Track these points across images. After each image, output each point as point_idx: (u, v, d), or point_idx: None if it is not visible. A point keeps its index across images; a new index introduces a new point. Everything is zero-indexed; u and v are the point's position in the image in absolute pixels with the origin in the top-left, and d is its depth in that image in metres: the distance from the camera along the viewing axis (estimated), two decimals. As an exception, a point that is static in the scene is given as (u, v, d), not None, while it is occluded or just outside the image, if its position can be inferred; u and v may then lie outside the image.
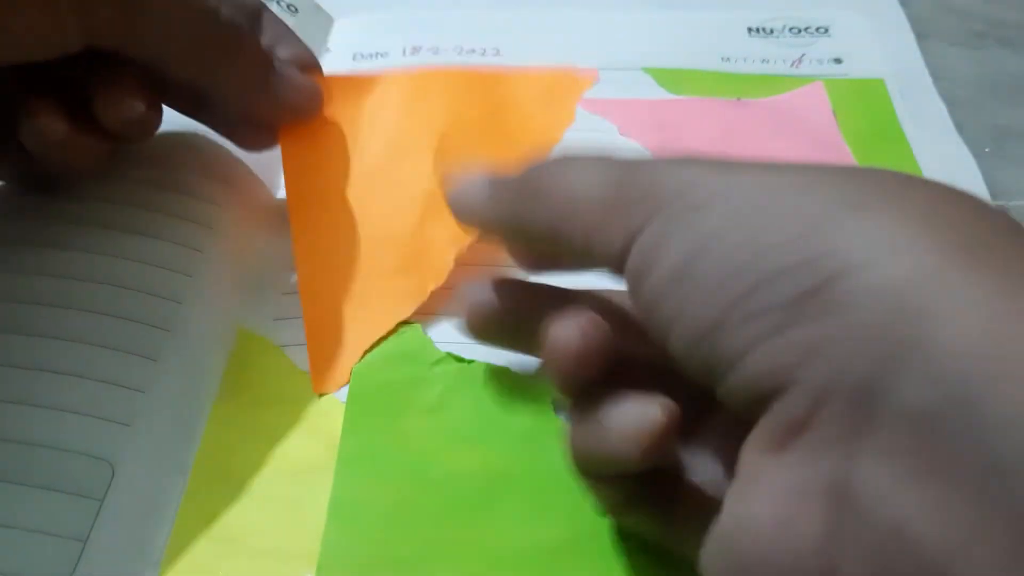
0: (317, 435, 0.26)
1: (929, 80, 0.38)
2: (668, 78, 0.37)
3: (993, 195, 0.33)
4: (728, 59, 0.38)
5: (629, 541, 0.24)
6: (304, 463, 0.26)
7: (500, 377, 0.27)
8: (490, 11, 0.41)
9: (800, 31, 0.40)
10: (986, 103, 0.38)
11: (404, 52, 0.39)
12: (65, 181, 0.29)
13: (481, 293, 0.23)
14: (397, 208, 0.29)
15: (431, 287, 0.28)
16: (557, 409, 0.26)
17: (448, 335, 0.28)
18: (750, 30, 0.40)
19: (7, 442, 0.25)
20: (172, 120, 0.30)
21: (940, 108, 0.37)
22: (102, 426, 0.25)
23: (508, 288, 0.23)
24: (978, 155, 0.35)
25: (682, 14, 0.41)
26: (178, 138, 0.32)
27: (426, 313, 0.29)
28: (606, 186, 0.20)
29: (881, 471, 0.15)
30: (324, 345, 0.28)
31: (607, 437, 0.20)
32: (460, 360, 0.27)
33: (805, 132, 0.35)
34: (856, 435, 0.16)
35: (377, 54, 0.39)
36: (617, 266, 0.19)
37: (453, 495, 0.25)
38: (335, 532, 0.24)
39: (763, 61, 0.38)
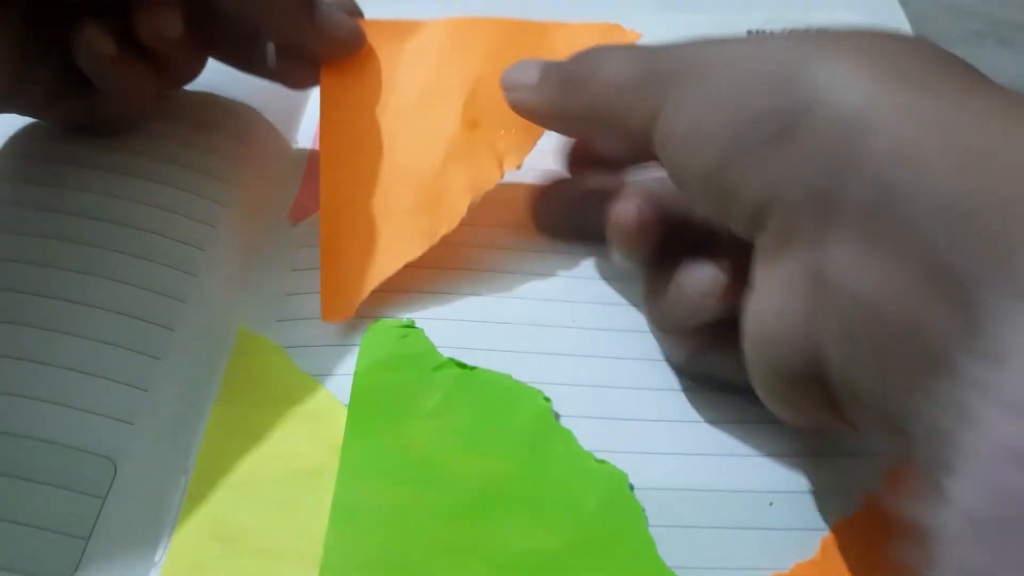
0: (319, 437, 0.26)
1: None
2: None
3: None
4: (728, 60, 0.39)
5: (630, 544, 0.24)
6: (306, 465, 0.26)
7: (501, 383, 0.27)
8: (490, 12, 0.41)
9: (797, 31, 0.40)
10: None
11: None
12: (110, 125, 0.31)
13: (547, 190, 0.28)
14: (422, 149, 0.30)
15: (443, 231, 0.29)
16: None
17: (450, 340, 0.28)
18: (750, 32, 0.40)
19: (10, 438, 0.25)
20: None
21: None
22: (105, 424, 0.26)
23: (569, 184, 0.29)
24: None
25: (682, 16, 0.41)
26: (183, 135, 0.33)
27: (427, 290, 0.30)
28: (633, 72, 0.24)
29: (843, 255, 0.19)
30: (335, 273, 0.29)
31: (685, 296, 0.25)
32: (462, 366, 0.27)
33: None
34: (824, 232, 0.20)
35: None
36: (648, 140, 0.24)
37: (454, 500, 0.25)
38: (338, 535, 0.24)
39: (763, 62, 0.38)
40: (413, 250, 0.29)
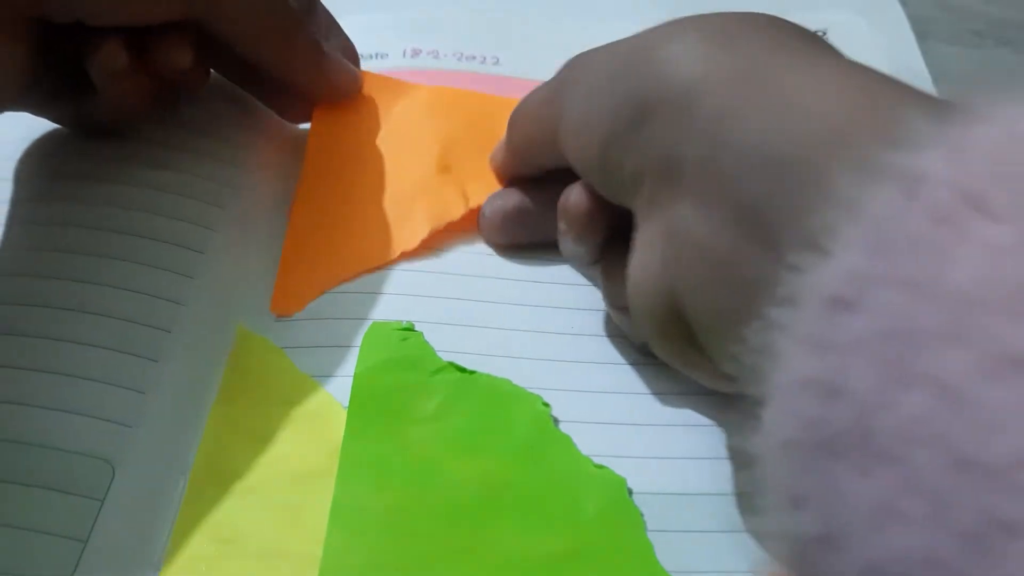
0: (319, 439, 0.26)
1: (929, 80, 0.38)
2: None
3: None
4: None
5: (628, 549, 0.24)
6: (306, 467, 0.26)
7: (500, 388, 0.27)
8: (491, 18, 0.40)
9: (797, 34, 0.40)
10: (986, 103, 0.38)
11: (404, 54, 0.39)
12: (116, 126, 0.32)
13: (498, 198, 0.30)
14: (395, 181, 0.33)
15: (402, 248, 0.31)
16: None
17: (450, 345, 0.28)
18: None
19: (7, 442, 0.25)
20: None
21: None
22: (103, 427, 0.26)
23: (518, 191, 0.31)
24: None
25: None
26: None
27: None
28: (543, 94, 0.29)
29: (685, 209, 0.22)
30: (293, 269, 0.30)
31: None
32: (462, 370, 0.27)
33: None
34: (675, 192, 0.22)
35: (377, 55, 0.39)
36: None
37: (453, 503, 0.25)
38: (337, 537, 0.24)
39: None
40: (371, 261, 0.31)
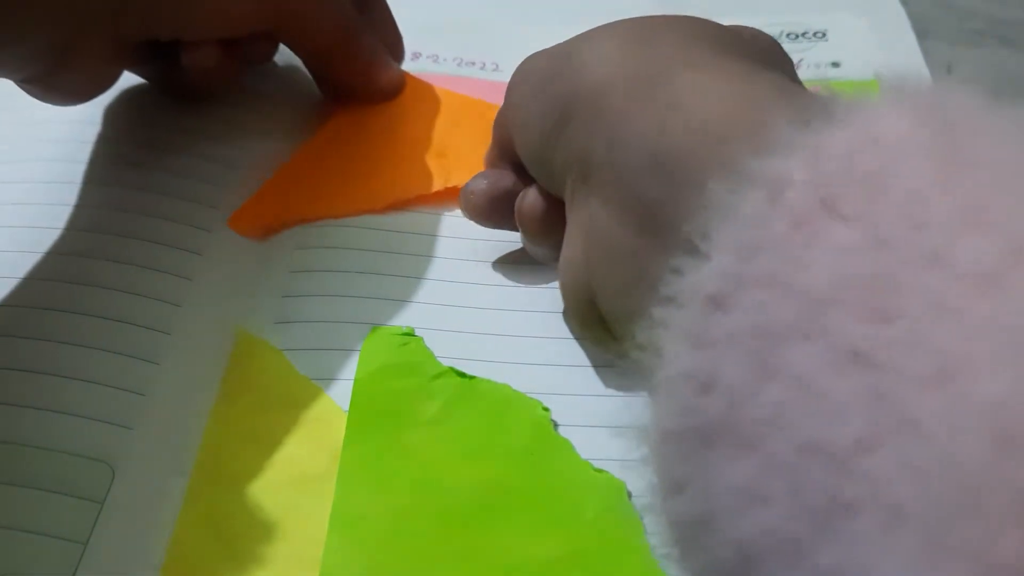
0: (319, 443, 0.26)
1: (929, 80, 0.38)
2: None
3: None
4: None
5: (628, 553, 0.24)
6: (306, 470, 0.26)
7: (500, 393, 0.27)
8: (491, 24, 0.40)
9: (797, 36, 0.39)
10: (986, 103, 0.38)
11: (404, 57, 0.39)
12: (197, 95, 0.35)
13: (485, 177, 0.30)
14: (396, 155, 0.34)
15: (382, 203, 0.32)
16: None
17: (450, 350, 0.28)
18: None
19: (7, 444, 0.25)
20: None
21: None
22: (103, 428, 0.26)
23: (497, 177, 0.30)
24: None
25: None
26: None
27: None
28: (502, 107, 0.29)
29: (595, 205, 0.23)
30: (269, 194, 0.32)
31: None
32: (461, 375, 0.27)
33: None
34: (590, 188, 0.24)
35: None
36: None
37: (453, 508, 0.25)
38: (337, 541, 0.24)
39: (761, 66, 0.38)
40: (342, 210, 0.32)
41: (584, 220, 0.24)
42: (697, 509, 0.16)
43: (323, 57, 0.34)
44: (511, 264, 0.31)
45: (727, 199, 0.16)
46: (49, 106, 0.32)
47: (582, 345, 0.29)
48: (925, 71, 0.38)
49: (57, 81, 0.30)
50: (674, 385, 0.16)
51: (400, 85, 0.36)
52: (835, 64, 0.39)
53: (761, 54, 0.24)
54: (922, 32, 0.40)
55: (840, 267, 0.14)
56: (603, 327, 0.25)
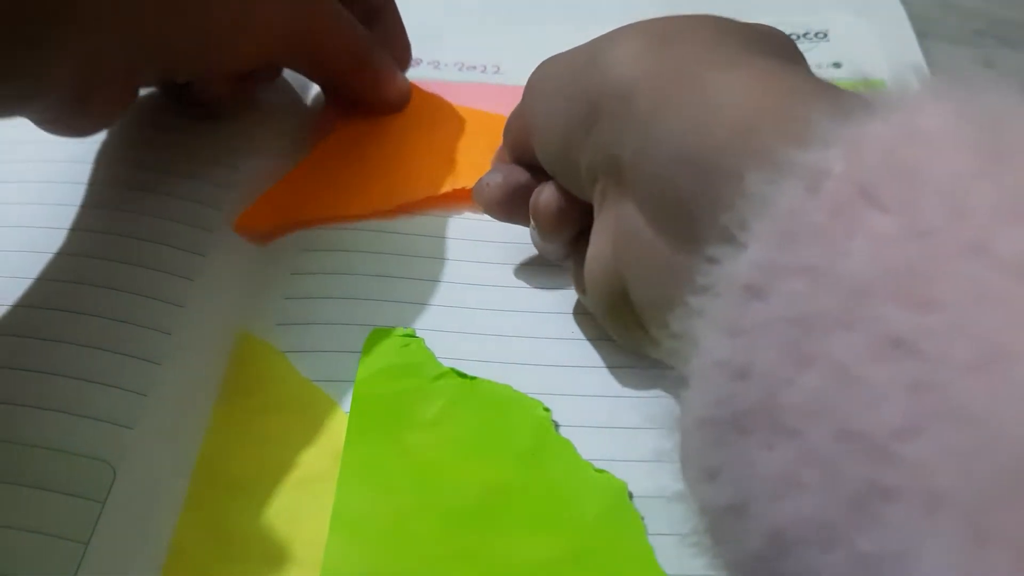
0: (320, 444, 0.26)
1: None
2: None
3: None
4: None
5: (629, 553, 0.24)
6: (307, 472, 0.26)
7: (501, 394, 0.27)
8: (492, 28, 0.40)
9: (798, 37, 0.39)
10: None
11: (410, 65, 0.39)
12: (206, 112, 0.34)
13: (499, 172, 0.30)
14: (403, 159, 0.35)
15: (390, 205, 0.33)
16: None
17: (451, 350, 0.28)
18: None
19: (8, 444, 0.25)
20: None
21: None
22: (104, 428, 0.26)
23: (511, 172, 0.30)
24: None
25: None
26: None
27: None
28: (516, 111, 0.30)
29: (627, 202, 0.23)
30: (276, 198, 0.32)
31: None
32: (462, 376, 0.28)
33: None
34: (621, 187, 0.24)
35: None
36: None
37: (454, 508, 0.25)
38: (338, 542, 0.24)
39: (761, 67, 0.38)
40: (349, 212, 0.32)
41: (616, 218, 0.24)
42: (731, 496, 0.16)
43: (334, 79, 0.35)
44: (512, 266, 0.31)
45: (765, 190, 0.16)
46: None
47: (583, 346, 0.29)
48: (926, 71, 0.38)
49: (70, 122, 0.30)
50: (709, 373, 0.16)
51: (408, 96, 0.36)
52: (836, 64, 0.39)
53: (780, 50, 0.24)
54: (922, 32, 0.40)
55: (880, 256, 0.14)
56: (635, 323, 0.25)
